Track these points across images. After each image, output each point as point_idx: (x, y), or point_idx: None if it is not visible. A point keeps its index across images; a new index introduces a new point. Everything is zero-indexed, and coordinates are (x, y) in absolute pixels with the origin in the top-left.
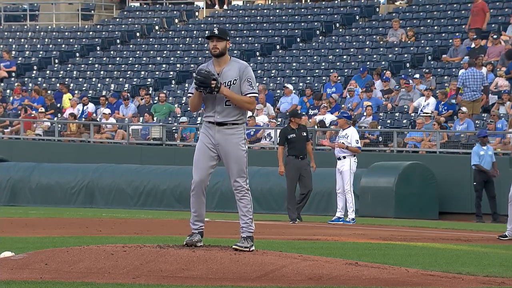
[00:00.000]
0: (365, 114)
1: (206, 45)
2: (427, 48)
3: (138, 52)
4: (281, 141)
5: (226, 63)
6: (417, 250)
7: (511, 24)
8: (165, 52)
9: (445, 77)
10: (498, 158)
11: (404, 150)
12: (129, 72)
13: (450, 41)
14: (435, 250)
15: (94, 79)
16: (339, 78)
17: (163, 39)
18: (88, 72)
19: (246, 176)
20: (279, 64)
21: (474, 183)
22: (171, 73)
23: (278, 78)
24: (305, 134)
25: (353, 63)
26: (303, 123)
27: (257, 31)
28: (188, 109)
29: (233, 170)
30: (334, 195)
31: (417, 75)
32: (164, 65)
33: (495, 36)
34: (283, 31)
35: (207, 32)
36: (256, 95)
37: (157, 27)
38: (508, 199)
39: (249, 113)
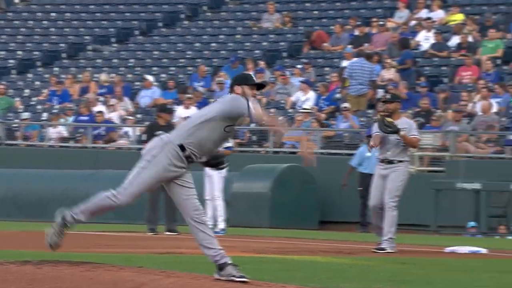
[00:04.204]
0: None
1: (47, 29)
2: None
3: None
4: (148, 138)
5: None
6: (295, 264)
7: (399, 10)
8: (3, 37)
9: (326, 69)
10: None
11: (281, 151)
12: None
13: (331, 27)
14: (315, 264)
15: None
16: (207, 69)
17: (1, 22)
18: None
19: None
20: (138, 52)
21: (360, 188)
22: (11, 61)
23: (137, 68)
24: None
25: (222, 52)
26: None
27: (112, 14)
28: (32, 103)
29: None
30: (203, 203)
31: (299, 66)
32: (2, 52)
33: (381, 23)
34: (142, 14)
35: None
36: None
37: None
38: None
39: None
